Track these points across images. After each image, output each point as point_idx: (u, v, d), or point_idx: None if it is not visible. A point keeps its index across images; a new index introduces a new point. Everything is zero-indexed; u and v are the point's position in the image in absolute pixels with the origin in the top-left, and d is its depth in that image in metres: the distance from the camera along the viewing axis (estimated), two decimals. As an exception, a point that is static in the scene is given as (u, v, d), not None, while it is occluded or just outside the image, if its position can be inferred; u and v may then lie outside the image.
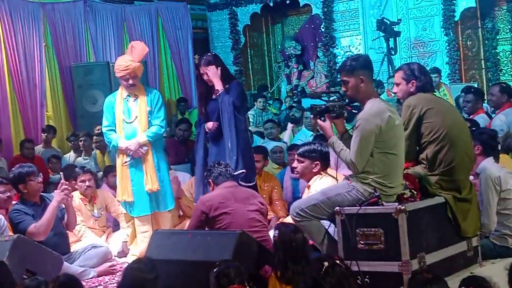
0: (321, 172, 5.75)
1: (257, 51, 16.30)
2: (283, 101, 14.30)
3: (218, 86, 6.38)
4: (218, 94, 6.38)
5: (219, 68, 6.43)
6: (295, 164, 5.97)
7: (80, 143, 10.33)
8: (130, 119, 6.72)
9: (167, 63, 14.36)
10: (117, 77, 6.79)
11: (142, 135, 6.64)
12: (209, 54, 6.82)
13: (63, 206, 6.32)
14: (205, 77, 6.49)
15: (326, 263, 3.91)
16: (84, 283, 5.36)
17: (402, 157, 4.82)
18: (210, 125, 6.47)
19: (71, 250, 6.55)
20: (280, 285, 4.45)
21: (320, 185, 5.55)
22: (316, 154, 5.76)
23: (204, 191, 6.38)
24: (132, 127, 6.71)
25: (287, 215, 6.49)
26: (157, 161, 6.74)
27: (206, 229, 5.53)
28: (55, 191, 6.19)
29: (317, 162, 5.74)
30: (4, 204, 6.63)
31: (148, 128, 6.70)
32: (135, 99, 6.73)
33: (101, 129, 10.54)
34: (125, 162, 6.70)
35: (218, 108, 6.39)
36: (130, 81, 6.64)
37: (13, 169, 6.58)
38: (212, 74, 6.38)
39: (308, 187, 5.80)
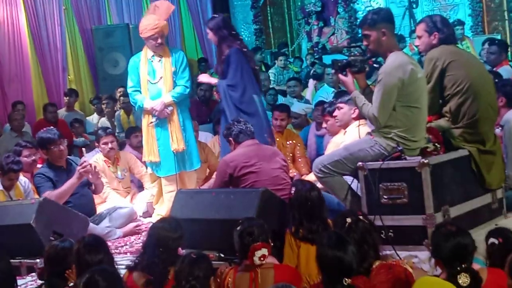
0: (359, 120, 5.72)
1: (276, 8, 16.13)
2: (304, 58, 14.19)
3: (212, 82, 6.75)
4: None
5: (215, 36, 6.53)
6: (335, 113, 5.91)
7: (103, 106, 10.39)
8: (155, 79, 6.72)
9: (187, 23, 14.28)
10: (144, 37, 6.71)
11: (167, 96, 6.64)
12: (213, 16, 6.79)
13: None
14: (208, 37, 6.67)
15: (349, 219, 3.92)
16: (110, 244, 5.43)
17: (425, 110, 4.78)
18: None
19: (97, 212, 6.62)
20: (295, 242, 4.46)
21: (355, 132, 5.49)
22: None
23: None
24: (157, 88, 6.70)
25: (310, 172, 6.48)
26: (183, 121, 6.75)
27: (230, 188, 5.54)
28: (77, 167, 6.23)
29: (355, 107, 5.66)
30: (29, 168, 6.73)
31: (173, 89, 6.69)
32: (159, 60, 6.72)
33: (126, 90, 10.74)
34: (151, 122, 6.70)
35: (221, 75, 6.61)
36: (159, 40, 6.62)
37: (38, 133, 6.63)
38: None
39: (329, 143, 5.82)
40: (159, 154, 6.70)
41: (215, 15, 6.78)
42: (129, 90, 6.95)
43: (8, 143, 9.12)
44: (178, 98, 6.69)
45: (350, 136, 5.60)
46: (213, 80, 6.68)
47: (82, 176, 6.20)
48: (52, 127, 6.90)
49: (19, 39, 11.28)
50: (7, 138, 9.34)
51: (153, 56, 6.73)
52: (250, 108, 6.50)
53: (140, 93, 6.78)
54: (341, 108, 5.82)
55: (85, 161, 6.30)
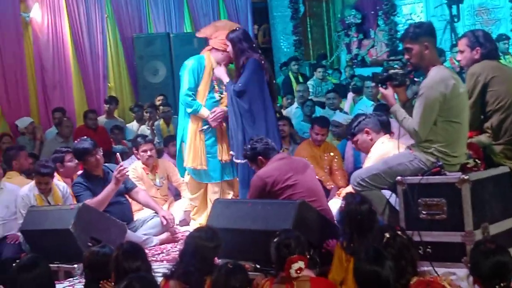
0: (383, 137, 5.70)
1: (316, 20, 16.13)
2: (343, 70, 14.16)
3: (224, 80, 6.55)
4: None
5: (233, 48, 6.48)
6: (356, 137, 5.92)
7: (146, 114, 10.49)
8: (214, 92, 6.69)
9: (227, 33, 14.33)
10: (215, 46, 6.70)
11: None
12: (235, 29, 6.72)
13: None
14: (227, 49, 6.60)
15: (387, 234, 3.88)
16: (147, 251, 5.46)
17: (466, 125, 4.73)
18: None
19: (134, 219, 6.67)
20: (345, 256, 4.42)
21: (382, 147, 5.54)
22: (360, 125, 5.81)
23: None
24: (215, 100, 6.69)
25: (347, 185, 6.45)
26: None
27: (266, 200, 5.52)
28: (113, 173, 6.28)
29: (367, 129, 5.75)
30: (72, 173, 6.81)
31: None
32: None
33: (166, 98, 10.83)
34: (202, 129, 6.68)
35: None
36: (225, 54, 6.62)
37: (73, 144, 6.72)
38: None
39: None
40: (207, 162, 6.67)
41: (235, 29, 6.73)
42: (186, 92, 6.68)
43: (53, 148, 9.25)
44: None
45: (377, 150, 5.59)
46: (225, 79, 6.54)
47: (120, 181, 6.26)
48: (86, 136, 6.95)
49: (62, 46, 11.45)
50: (52, 143, 9.46)
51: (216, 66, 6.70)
52: (255, 120, 6.42)
53: (195, 98, 6.71)
54: (356, 140, 5.87)
55: (121, 166, 6.34)
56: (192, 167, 6.69)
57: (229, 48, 6.53)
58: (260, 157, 5.59)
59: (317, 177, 5.73)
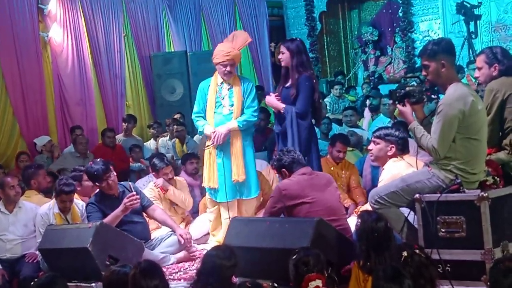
0: (397, 157, 5.65)
1: (333, 37, 16.19)
2: (360, 88, 14.14)
3: (279, 107, 6.51)
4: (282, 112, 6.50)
5: (291, 58, 6.45)
6: (370, 146, 5.81)
7: (169, 128, 10.53)
8: (221, 107, 6.70)
9: (244, 51, 14.36)
10: (215, 62, 6.70)
11: (233, 122, 6.60)
12: (294, 39, 6.75)
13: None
14: (279, 56, 6.60)
15: (405, 253, 3.85)
16: (164, 269, 5.45)
17: (485, 142, 4.70)
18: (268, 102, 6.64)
19: (152, 237, 6.67)
20: (362, 275, 4.38)
21: (392, 168, 5.47)
22: (392, 137, 5.61)
23: None
24: (222, 115, 6.68)
25: (366, 203, 6.42)
26: (244, 149, 6.68)
27: (282, 216, 5.51)
28: (124, 199, 6.27)
29: (393, 145, 5.59)
30: (90, 191, 6.85)
31: (240, 116, 6.67)
32: (229, 88, 6.70)
33: (182, 116, 10.89)
34: (207, 146, 6.72)
35: (287, 100, 6.49)
36: (228, 68, 6.61)
37: (86, 166, 6.77)
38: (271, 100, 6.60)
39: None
40: (218, 181, 6.68)
41: (294, 38, 6.78)
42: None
43: (69, 162, 9.33)
44: (243, 125, 6.62)
45: (388, 171, 5.54)
46: (281, 105, 6.50)
47: (127, 209, 6.24)
48: (105, 154, 6.96)
49: (83, 64, 11.54)
50: (68, 158, 9.54)
51: (222, 83, 6.72)
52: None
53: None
54: (378, 143, 5.68)
55: (133, 194, 6.33)
56: (208, 186, 6.76)
57: (284, 57, 6.50)
58: (284, 169, 5.64)
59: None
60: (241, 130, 6.64)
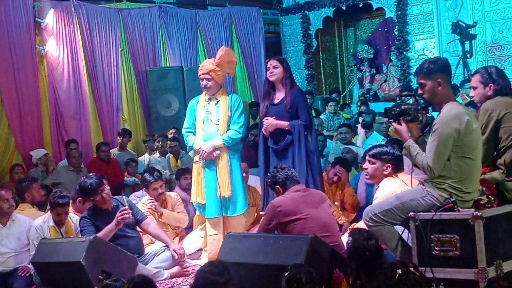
0: (392, 176, 5.65)
1: (329, 55, 16.25)
2: (356, 105, 14.18)
3: (284, 125, 6.57)
4: (287, 128, 6.56)
5: (284, 73, 6.59)
6: (365, 165, 5.80)
7: (158, 143, 10.51)
8: (209, 122, 6.75)
9: (240, 67, 14.43)
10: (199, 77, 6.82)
11: (218, 138, 6.65)
12: (280, 57, 6.93)
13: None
14: (269, 71, 6.65)
15: (399, 271, 3.85)
16: (157, 284, 5.44)
17: (480, 162, 4.71)
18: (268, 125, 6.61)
19: (145, 252, 6.65)
20: (351, 293, 4.40)
21: (387, 187, 5.48)
22: (387, 156, 5.61)
23: (265, 194, 6.58)
24: (210, 130, 6.73)
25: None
26: (231, 166, 6.72)
27: (276, 232, 5.51)
28: (117, 214, 6.26)
29: (389, 164, 5.59)
30: (85, 210, 6.85)
31: (226, 132, 6.71)
32: (216, 103, 6.75)
33: (179, 131, 10.89)
34: (195, 161, 6.76)
35: (280, 115, 6.56)
36: (204, 82, 6.69)
37: (79, 181, 6.74)
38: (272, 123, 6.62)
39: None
40: (205, 197, 6.71)
41: (279, 57, 7.04)
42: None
43: (62, 177, 9.32)
44: (228, 142, 6.67)
45: (383, 189, 5.55)
46: (285, 123, 6.55)
47: (120, 223, 6.24)
48: (93, 174, 6.95)
49: (79, 78, 11.53)
50: (61, 172, 9.54)
51: (210, 98, 6.78)
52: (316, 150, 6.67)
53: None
54: (374, 163, 5.68)
55: (125, 209, 6.32)
56: (195, 202, 6.81)
57: (278, 71, 6.60)
58: (277, 186, 5.66)
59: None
60: (228, 147, 6.67)
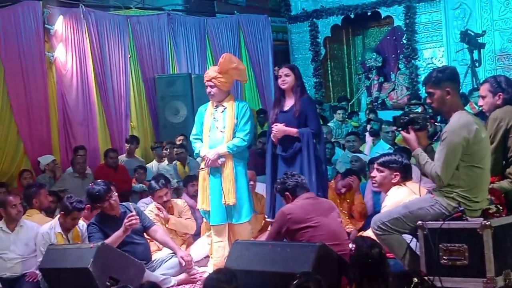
0: (401, 184, 5.65)
1: (337, 63, 16.25)
2: (365, 113, 14.16)
3: (293, 132, 6.54)
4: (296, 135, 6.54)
5: (295, 81, 6.59)
6: (374, 173, 5.83)
7: (166, 151, 10.52)
8: (215, 129, 6.74)
9: (248, 74, 14.42)
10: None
11: (223, 146, 6.65)
12: (291, 64, 6.93)
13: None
14: (280, 79, 6.65)
15: (415, 279, 3.83)
16: (165, 291, 5.46)
17: (488, 171, 4.71)
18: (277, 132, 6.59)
19: (152, 259, 6.66)
20: (355, 300, 4.39)
21: (396, 195, 5.48)
22: (396, 164, 5.64)
23: (271, 201, 6.57)
24: (217, 137, 6.71)
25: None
26: (236, 174, 6.70)
27: (285, 240, 5.51)
28: (125, 220, 6.26)
29: (397, 173, 5.61)
30: (89, 215, 6.86)
31: (231, 140, 6.70)
32: (223, 110, 6.74)
33: (187, 138, 10.90)
34: (201, 168, 6.77)
35: (289, 122, 6.55)
36: (208, 89, 6.70)
37: (87, 188, 6.73)
38: (280, 129, 6.59)
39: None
40: (210, 204, 6.71)
41: (291, 64, 7.00)
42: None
43: (68, 183, 9.33)
44: (233, 150, 6.63)
45: (391, 198, 5.55)
46: (294, 130, 6.52)
47: (128, 230, 6.24)
48: (101, 180, 6.95)
49: (87, 85, 11.55)
50: (67, 179, 9.56)
51: (217, 106, 6.77)
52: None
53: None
54: (382, 171, 5.71)
55: (132, 215, 6.33)
56: (201, 208, 6.81)
57: (290, 79, 6.61)
58: (287, 193, 5.65)
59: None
60: (233, 154, 6.67)
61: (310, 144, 6.45)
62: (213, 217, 6.72)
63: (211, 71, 6.74)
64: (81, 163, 9.75)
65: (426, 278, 3.95)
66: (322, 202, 5.72)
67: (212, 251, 6.80)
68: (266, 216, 6.81)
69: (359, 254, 4.44)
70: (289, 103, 6.63)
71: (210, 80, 6.67)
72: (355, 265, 4.45)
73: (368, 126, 11.73)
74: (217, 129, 6.72)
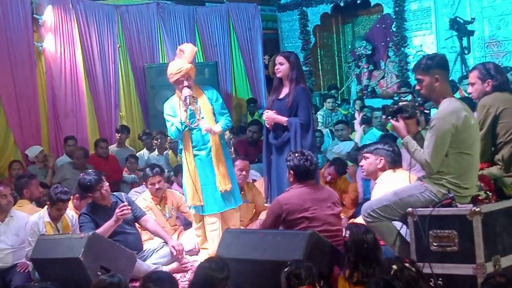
0: (387, 169, 5.71)
1: (327, 51, 16.25)
2: (352, 101, 14.18)
3: (282, 120, 6.51)
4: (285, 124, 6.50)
5: (290, 70, 6.52)
6: (362, 162, 5.96)
7: (156, 141, 10.50)
8: (195, 120, 6.71)
9: (238, 63, 14.44)
10: (172, 82, 6.71)
11: (217, 126, 6.67)
12: (290, 51, 6.90)
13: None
14: (275, 68, 6.62)
15: (394, 266, 3.86)
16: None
17: (477, 157, 4.72)
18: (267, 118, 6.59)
19: (144, 248, 6.66)
20: (349, 286, 4.41)
21: (386, 182, 5.57)
22: (379, 149, 5.80)
23: (269, 189, 6.57)
24: (198, 128, 6.71)
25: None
26: (226, 159, 6.77)
27: (280, 228, 5.49)
28: (117, 210, 6.25)
29: (381, 157, 5.75)
30: (79, 207, 6.86)
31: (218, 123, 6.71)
32: (195, 100, 6.70)
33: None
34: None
35: (282, 111, 6.52)
36: (185, 83, 6.60)
37: (78, 178, 6.70)
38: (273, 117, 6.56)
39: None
40: (203, 196, 6.71)
41: (289, 51, 7.00)
42: (168, 125, 6.88)
43: (65, 174, 9.29)
44: (225, 130, 6.86)
45: (381, 185, 5.61)
46: (283, 118, 6.50)
47: (119, 220, 6.24)
48: (92, 170, 6.95)
49: (76, 75, 11.49)
50: (65, 168, 9.50)
51: (186, 97, 6.61)
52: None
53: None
54: (367, 158, 5.86)
55: (124, 205, 6.32)
56: (192, 204, 6.80)
57: (283, 68, 6.55)
58: (292, 171, 5.55)
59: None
60: (220, 143, 6.73)
61: (297, 134, 6.41)
62: (210, 207, 6.73)
63: (183, 64, 6.62)
64: (81, 158, 9.54)
65: (414, 265, 3.95)
66: (320, 192, 5.59)
67: (209, 240, 6.79)
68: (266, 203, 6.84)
69: (354, 239, 4.48)
70: (285, 91, 6.60)
71: (186, 73, 6.61)
72: (350, 251, 4.49)
73: (356, 114, 11.75)
74: (197, 120, 6.68)
